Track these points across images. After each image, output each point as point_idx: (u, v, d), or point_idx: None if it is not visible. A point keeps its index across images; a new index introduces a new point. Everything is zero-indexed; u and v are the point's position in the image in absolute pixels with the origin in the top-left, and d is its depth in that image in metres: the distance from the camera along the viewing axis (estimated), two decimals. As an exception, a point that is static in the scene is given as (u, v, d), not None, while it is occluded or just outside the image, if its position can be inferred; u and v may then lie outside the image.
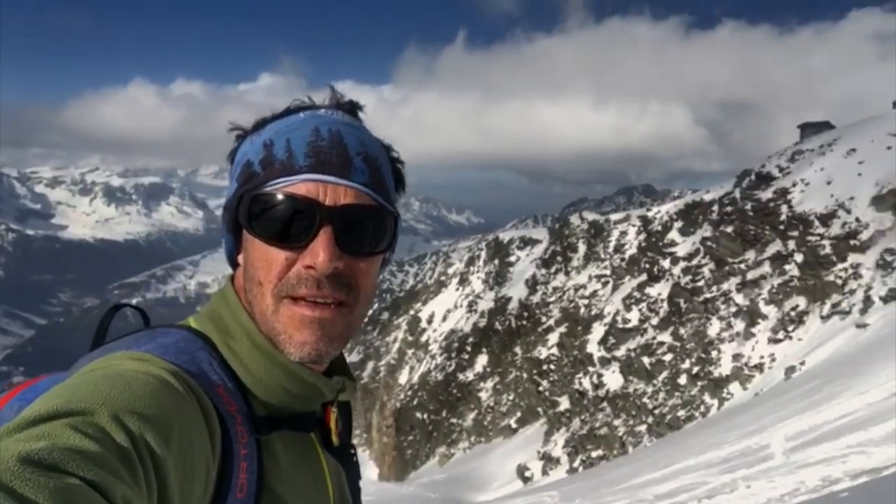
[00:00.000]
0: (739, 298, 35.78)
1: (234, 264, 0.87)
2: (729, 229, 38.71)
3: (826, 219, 44.07)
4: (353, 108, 0.85)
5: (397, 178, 0.86)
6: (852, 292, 40.23)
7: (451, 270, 69.38)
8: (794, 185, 47.83)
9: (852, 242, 42.24)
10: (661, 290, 39.03)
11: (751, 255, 38.29)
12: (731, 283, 37.12)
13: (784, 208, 40.84)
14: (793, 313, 38.42)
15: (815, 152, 50.65)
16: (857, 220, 43.44)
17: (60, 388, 0.64)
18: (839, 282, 40.54)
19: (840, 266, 41.54)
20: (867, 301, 37.97)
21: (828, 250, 42.48)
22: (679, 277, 38.11)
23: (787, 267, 37.95)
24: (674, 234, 42.05)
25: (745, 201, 39.89)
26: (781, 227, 38.34)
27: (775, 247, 38.72)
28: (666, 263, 40.16)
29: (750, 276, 37.11)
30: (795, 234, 37.72)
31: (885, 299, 36.31)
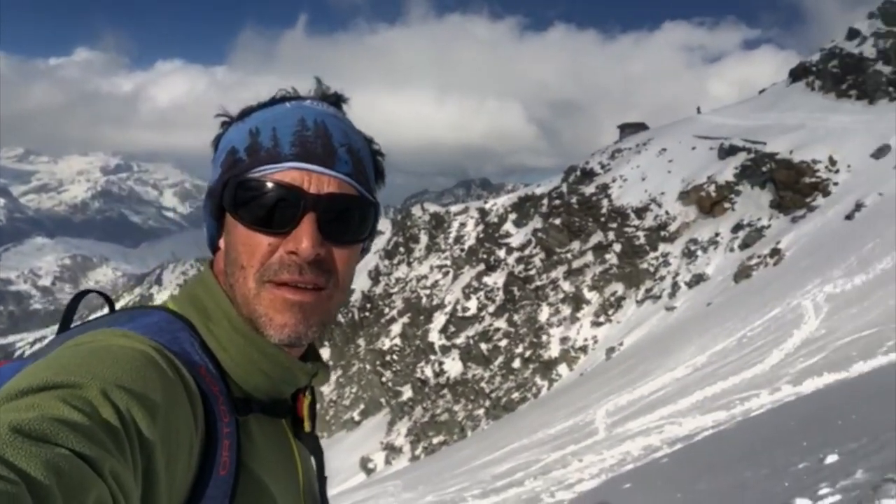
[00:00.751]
0: (566, 286, 38.26)
1: (213, 249, 0.88)
2: (557, 221, 41.26)
3: (641, 212, 48.49)
4: (337, 100, 0.88)
5: (377, 170, 0.88)
6: (662, 279, 44.72)
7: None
8: (613, 180, 52.01)
9: (662, 233, 46.92)
10: (497, 279, 40.76)
11: (576, 245, 41.18)
12: (559, 272, 39.67)
13: (605, 202, 44.31)
14: (612, 298, 41.93)
15: (633, 151, 55.50)
16: (667, 213, 48.28)
17: (48, 360, 0.65)
18: (651, 269, 44.83)
19: (652, 255, 45.95)
20: (675, 286, 42.41)
21: (642, 241, 46.78)
22: (513, 267, 40.00)
23: (607, 256, 41.24)
24: (508, 226, 44.10)
25: (571, 195, 42.72)
26: (603, 219, 41.56)
27: (597, 237, 41.97)
28: (502, 253, 41.97)
29: (575, 264, 39.93)
30: (614, 225, 41.05)
31: (690, 284, 40.79)
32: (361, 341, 49.05)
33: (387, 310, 50.42)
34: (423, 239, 54.04)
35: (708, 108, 61.88)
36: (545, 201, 41.88)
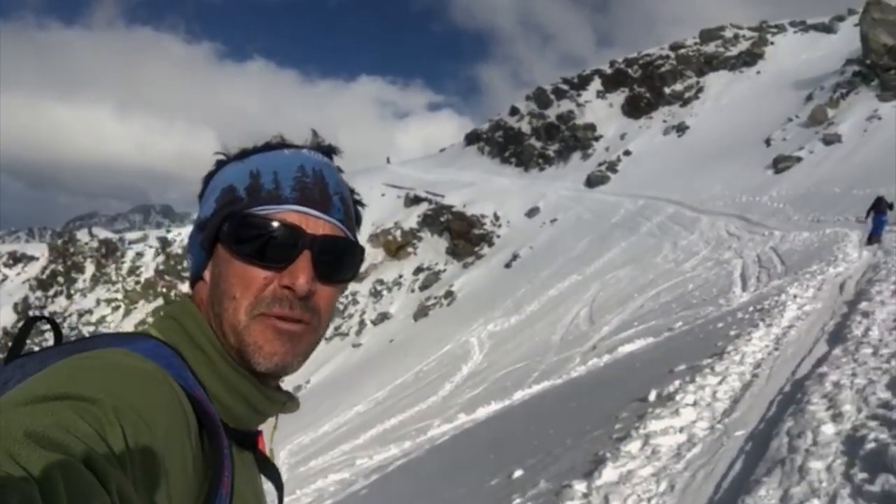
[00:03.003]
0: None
1: (195, 279, 0.90)
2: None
3: (332, 251, 49.73)
4: (330, 151, 0.93)
5: (357, 218, 0.95)
6: (350, 316, 46.43)
7: None
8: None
9: (351, 273, 48.62)
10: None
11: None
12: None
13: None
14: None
15: (326, 192, 57.20)
16: (356, 254, 50.39)
17: (60, 370, 0.66)
18: (340, 307, 46.15)
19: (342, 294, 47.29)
20: (362, 324, 44.22)
21: (332, 279, 47.81)
22: (198, 302, 37.47)
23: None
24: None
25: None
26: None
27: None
28: (185, 288, 39.02)
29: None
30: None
31: (375, 322, 42.83)
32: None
33: (37, 349, 42.79)
34: (90, 268, 47.55)
35: (396, 160, 66.62)
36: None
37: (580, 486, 3.96)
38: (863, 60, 44.64)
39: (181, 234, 42.23)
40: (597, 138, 60.90)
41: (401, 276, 48.35)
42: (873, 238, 14.79)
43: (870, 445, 3.05)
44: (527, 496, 4.22)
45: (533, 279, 34.92)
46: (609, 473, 4.04)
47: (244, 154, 0.90)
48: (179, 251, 40.76)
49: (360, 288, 47.46)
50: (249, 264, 0.82)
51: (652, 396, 5.57)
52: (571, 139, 60.93)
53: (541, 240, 44.15)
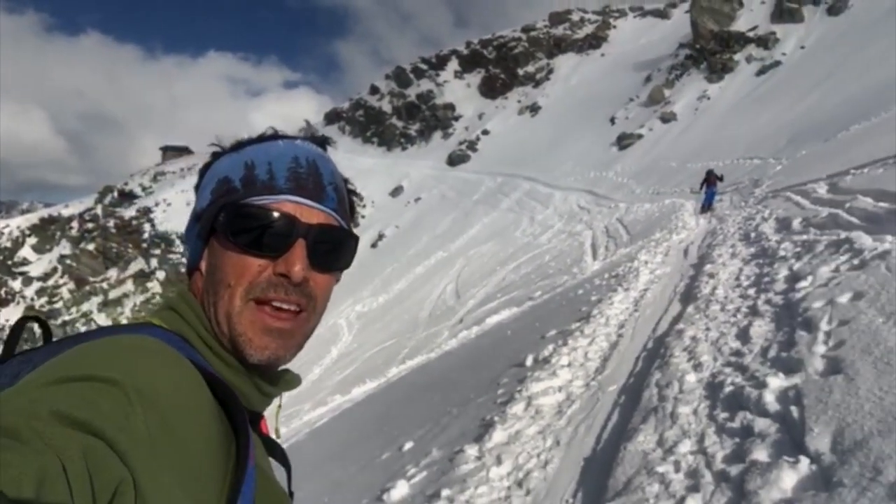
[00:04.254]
0: (101, 318, 34.36)
1: (192, 269, 0.91)
2: (90, 247, 36.85)
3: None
4: (323, 143, 0.95)
5: (351, 207, 0.96)
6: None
7: None
8: (157, 204, 49.16)
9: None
10: (11, 314, 33.95)
11: (113, 273, 37.39)
12: (93, 303, 35.26)
13: (147, 226, 41.47)
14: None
15: (177, 174, 53.67)
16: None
17: (80, 354, 0.67)
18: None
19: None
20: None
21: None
22: (34, 300, 33.96)
23: (150, 284, 38.53)
24: (26, 252, 37.34)
25: (107, 218, 38.74)
26: (144, 244, 38.76)
27: (139, 264, 38.88)
28: (17, 284, 35.21)
29: (112, 294, 36.17)
30: (158, 251, 38.71)
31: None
32: None
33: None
34: None
35: (252, 140, 63.83)
36: (75, 224, 36.94)
37: (472, 451, 4.10)
38: (693, 45, 49.04)
39: (9, 225, 37.99)
40: (456, 118, 62.15)
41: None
42: (706, 208, 16.42)
43: (728, 389, 3.43)
44: (420, 465, 4.30)
45: (400, 258, 35.22)
46: (498, 435, 4.22)
47: (239, 146, 0.91)
48: (9, 244, 36.68)
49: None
50: (245, 253, 0.83)
51: (529, 361, 5.86)
52: (432, 119, 61.71)
53: (406, 219, 44.53)
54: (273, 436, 0.95)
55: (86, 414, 0.55)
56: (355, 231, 0.92)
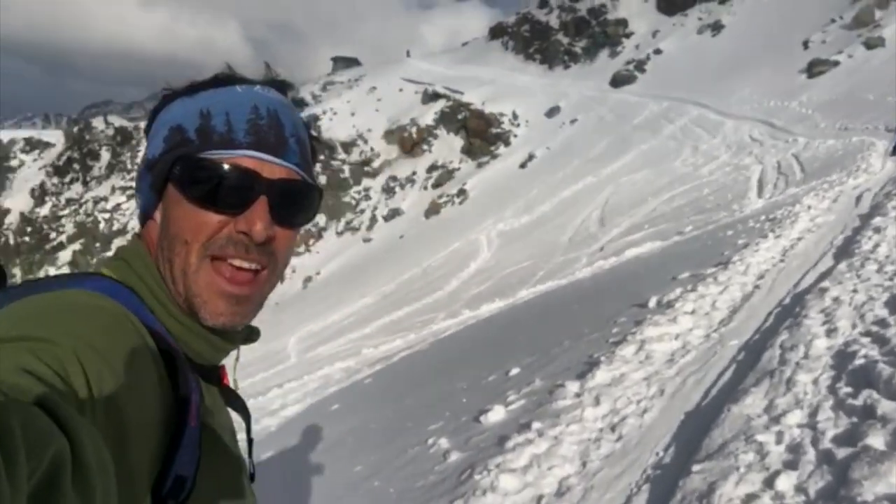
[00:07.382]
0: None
1: (145, 220, 0.88)
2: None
3: (348, 146, 49.33)
4: (284, 87, 0.89)
5: (313, 154, 0.92)
6: (363, 212, 46.59)
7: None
8: (324, 112, 51.81)
9: (367, 169, 48.43)
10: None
11: (282, 174, 40.36)
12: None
13: (314, 133, 43.97)
14: (313, 229, 42.28)
15: (345, 85, 55.77)
16: (372, 149, 49.94)
17: (16, 312, 0.65)
18: (353, 202, 46.25)
19: (355, 189, 47.30)
20: (373, 219, 44.47)
21: (347, 174, 47.74)
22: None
23: (313, 187, 41.16)
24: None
25: (279, 122, 41.57)
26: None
27: (304, 168, 41.60)
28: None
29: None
30: (322, 158, 41.07)
31: (387, 218, 43.05)
32: (17, 270, 41.82)
33: (53, 234, 43.66)
34: (105, 156, 47.54)
35: (417, 53, 64.30)
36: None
37: (573, 387, 4.05)
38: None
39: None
40: (627, 35, 58.21)
41: (414, 174, 47.98)
42: (897, 150, 14.32)
43: (859, 361, 3.05)
44: (521, 393, 4.34)
45: (547, 180, 34.57)
46: (602, 375, 4.12)
47: (192, 89, 0.85)
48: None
49: (372, 184, 47.25)
50: (202, 208, 0.79)
51: (652, 303, 5.60)
52: (601, 35, 58.31)
53: (559, 140, 43.30)
54: (232, 386, 0.93)
55: (20, 378, 0.52)
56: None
